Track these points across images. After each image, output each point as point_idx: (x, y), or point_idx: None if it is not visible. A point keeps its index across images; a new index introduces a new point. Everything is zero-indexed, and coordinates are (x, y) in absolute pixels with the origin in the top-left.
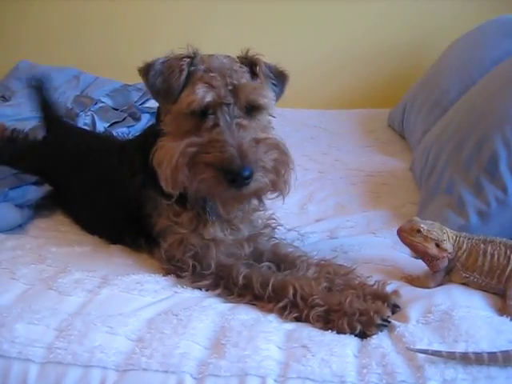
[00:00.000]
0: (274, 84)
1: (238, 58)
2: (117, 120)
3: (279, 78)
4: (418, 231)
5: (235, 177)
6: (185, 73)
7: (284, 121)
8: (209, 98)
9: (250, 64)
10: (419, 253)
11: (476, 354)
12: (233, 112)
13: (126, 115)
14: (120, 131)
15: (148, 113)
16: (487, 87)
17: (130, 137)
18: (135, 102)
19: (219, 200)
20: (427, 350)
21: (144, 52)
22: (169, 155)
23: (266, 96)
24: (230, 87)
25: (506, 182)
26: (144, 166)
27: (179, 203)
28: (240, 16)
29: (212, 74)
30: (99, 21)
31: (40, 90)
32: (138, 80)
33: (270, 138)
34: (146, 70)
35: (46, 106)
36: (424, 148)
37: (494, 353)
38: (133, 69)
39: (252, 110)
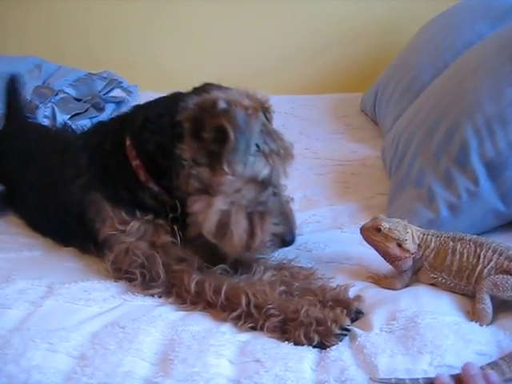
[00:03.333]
0: None
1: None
2: (78, 111)
3: None
4: (379, 230)
5: (289, 244)
6: None
7: None
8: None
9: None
10: (381, 252)
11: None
12: None
13: (88, 106)
14: (81, 124)
15: (113, 102)
16: (457, 73)
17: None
18: (99, 92)
19: None
20: (390, 378)
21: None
22: (242, 229)
23: None
24: None
25: (477, 173)
26: (89, 167)
27: (128, 211)
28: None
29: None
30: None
31: (13, 82)
32: (103, 68)
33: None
34: (232, 121)
35: (13, 100)
36: (394, 136)
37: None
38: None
39: None
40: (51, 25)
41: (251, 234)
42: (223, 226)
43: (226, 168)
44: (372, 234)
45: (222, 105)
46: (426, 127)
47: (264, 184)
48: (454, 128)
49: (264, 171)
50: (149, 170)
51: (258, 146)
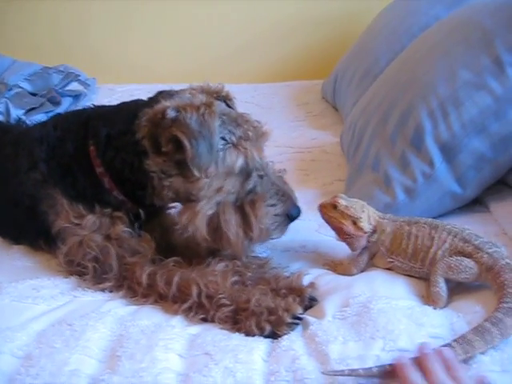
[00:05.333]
0: None
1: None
2: (33, 106)
3: None
4: (335, 207)
5: (296, 217)
6: None
7: None
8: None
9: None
10: (335, 229)
11: (391, 365)
12: None
13: (43, 100)
14: (36, 119)
15: (70, 96)
16: (412, 56)
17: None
18: (56, 86)
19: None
20: (344, 370)
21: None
22: (235, 225)
23: None
24: None
25: (432, 156)
26: (47, 162)
27: (87, 206)
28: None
29: None
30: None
31: None
32: (59, 62)
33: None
34: (184, 128)
35: None
36: (351, 121)
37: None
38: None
39: None
40: (10, 19)
41: (246, 225)
42: (215, 229)
43: (197, 174)
44: (329, 210)
45: (171, 114)
46: (381, 111)
47: (245, 172)
48: (408, 111)
49: (238, 161)
50: (114, 179)
51: (224, 138)
